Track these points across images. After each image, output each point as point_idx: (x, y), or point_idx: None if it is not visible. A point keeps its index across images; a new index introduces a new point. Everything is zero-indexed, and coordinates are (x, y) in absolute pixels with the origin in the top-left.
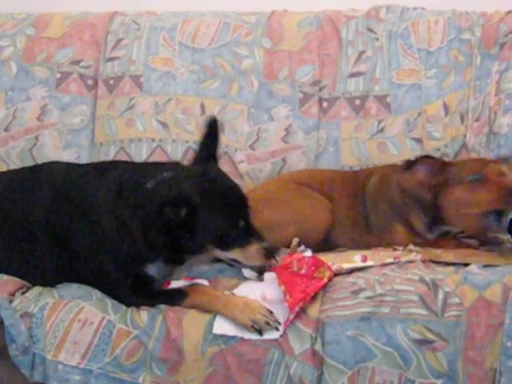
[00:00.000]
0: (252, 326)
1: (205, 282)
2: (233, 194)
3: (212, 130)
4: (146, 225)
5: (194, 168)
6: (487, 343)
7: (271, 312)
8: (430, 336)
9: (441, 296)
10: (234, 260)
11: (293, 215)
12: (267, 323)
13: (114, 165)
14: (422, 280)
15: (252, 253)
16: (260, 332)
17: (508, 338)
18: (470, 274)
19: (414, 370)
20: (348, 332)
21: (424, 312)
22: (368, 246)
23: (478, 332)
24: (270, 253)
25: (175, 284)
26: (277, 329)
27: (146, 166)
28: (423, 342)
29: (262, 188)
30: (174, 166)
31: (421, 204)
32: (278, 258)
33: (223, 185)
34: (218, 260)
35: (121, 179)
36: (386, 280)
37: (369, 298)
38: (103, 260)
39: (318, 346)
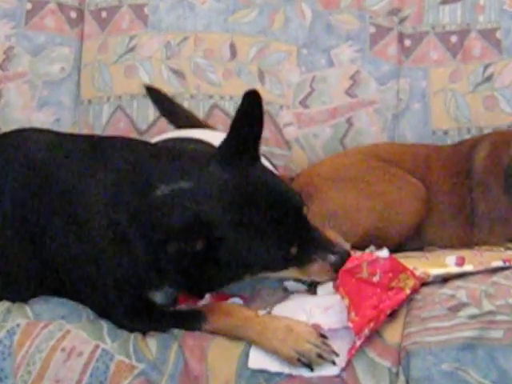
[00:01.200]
0: (299, 360)
1: (237, 301)
2: (280, 209)
3: (249, 109)
4: (151, 246)
5: (223, 171)
6: None
7: (325, 337)
8: None
9: None
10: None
11: (373, 201)
12: (319, 356)
13: (114, 144)
14: None
15: (314, 271)
16: (310, 367)
17: None
18: None
19: None
20: (444, 365)
21: None
22: (472, 245)
23: None
24: (339, 264)
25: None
26: (333, 362)
27: (160, 152)
28: None
29: (331, 163)
30: (201, 161)
31: None
32: None
33: (265, 198)
34: None
35: (123, 170)
36: (497, 292)
37: (473, 317)
38: (92, 275)
39: None
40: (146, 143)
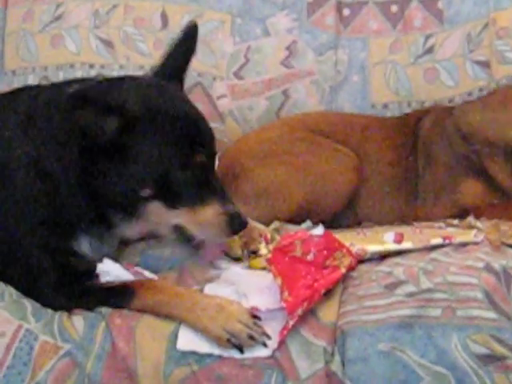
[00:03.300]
0: (229, 340)
1: (152, 276)
2: (193, 120)
3: (187, 39)
4: (62, 153)
5: (143, 78)
6: None
7: (258, 318)
8: (500, 350)
9: None
10: (184, 235)
11: (302, 174)
12: (251, 337)
13: (27, 89)
14: (488, 268)
15: (207, 217)
16: (241, 348)
17: None
18: None
19: None
20: (380, 345)
21: (492, 315)
22: (412, 219)
23: None
24: (236, 223)
25: (110, 268)
26: (265, 344)
27: (72, 82)
28: (490, 359)
29: (258, 136)
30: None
31: (503, 149)
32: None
33: (180, 105)
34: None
35: (33, 100)
36: (435, 269)
37: (411, 295)
38: (13, 233)
39: (335, 366)
40: (59, 82)
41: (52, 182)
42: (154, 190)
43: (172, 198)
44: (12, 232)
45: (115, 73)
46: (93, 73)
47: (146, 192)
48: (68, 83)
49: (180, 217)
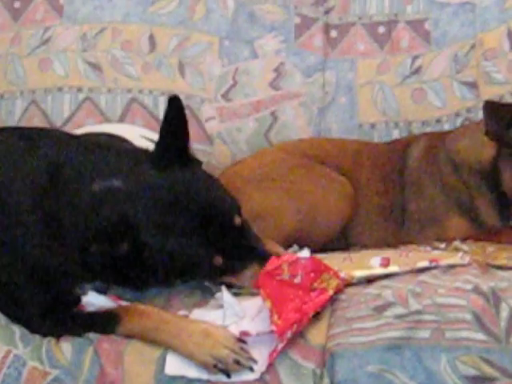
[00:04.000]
0: (216, 366)
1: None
2: (206, 218)
3: (173, 116)
4: (80, 241)
5: (155, 173)
6: None
7: (244, 343)
8: (489, 371)
9: (505, 313)
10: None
11: (296, 201)
12: (237, 362)
13: (45, 134)
14: (477, 290)
15: (247, 278)
16: (227, 373)
17: None
18: None
19: None
20: (369, 367)
21: (481, 337)
22: (399, 246)
23: None
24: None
25: (95, 299)
26: (251, 369)
27: (92, 146)
28: (480, 380)
29: (253, 162)
30: (133, 163)
31: (493, 182)
32: None
33: (192, 201)
34: None
35: (57, 161)
36: (424, 291)
37: (400, 316)
38: (13, 274)
39: None
40: (74, 135)
41: (65, 244)
42: (182, 278)
43: (198, 277)
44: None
45: (103, 96)
46: (81, 96)
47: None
48: (91, 160)
49: (226, 279)
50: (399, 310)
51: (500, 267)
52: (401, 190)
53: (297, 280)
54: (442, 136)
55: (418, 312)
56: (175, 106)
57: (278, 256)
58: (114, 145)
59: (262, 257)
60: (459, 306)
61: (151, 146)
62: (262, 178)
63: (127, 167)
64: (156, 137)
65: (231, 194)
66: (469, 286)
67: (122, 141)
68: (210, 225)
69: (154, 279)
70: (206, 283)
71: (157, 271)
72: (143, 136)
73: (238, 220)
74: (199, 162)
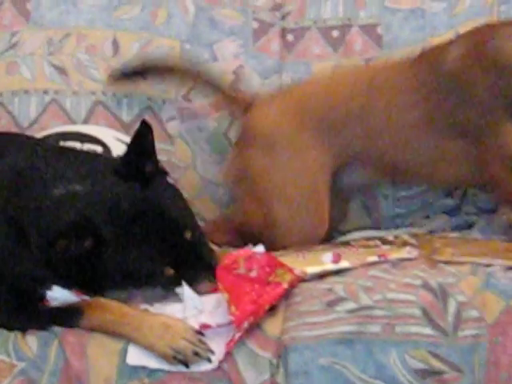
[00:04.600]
0: (175, 357)
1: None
2: (159, 230)
3: (139, 137)
4: (44, 240)
5: (117, 182)
6: None
7: (202, 335)
8: (437, 365)
9: (452, 308)
10: None
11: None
12: (195, 353)
13: (9, 139)
14: (426, 285)
15: (202, 290)
16: (186, 364)
17: None
18: (493, 277)
19: None
20: (321, 360)
21: (429, 331)
22: (467, 154)
23: (504, 357)
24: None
25: (59, 294)
26: (209, 360)
27: (58, 152)
28: (428, 374)
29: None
30: (98, 170)
31: None
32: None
33: (150, 212)
34: None
35: (21, 166)
36: (375, 286)
37: (351, 311)
38: None
39: (280, 378)
40: (40, 140)
41: (29, 249)
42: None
43: (154, 286)
44: None
45: (68, 99)
46: (47, 98)
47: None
48: (54, 166)
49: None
50: (350, 305)
51: (447, 262)
52: (438, 101)
53: (253, 274)
54: (493, 30)
55: (369, 307)
56: (144, 127)
57: (235, 252)
58: (78, 151)
59: (213, 271)
60: (409, 302)
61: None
62: None
63: (89, 173)
64: (128, 139)
65: (188, 207)
66: (418, 282)
67: (96, 142)
68: (161, 237)
69: (111, 283)
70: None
71: (114, 275)
72: (117, 138)
73: (188, 234)
74: (164, 174)
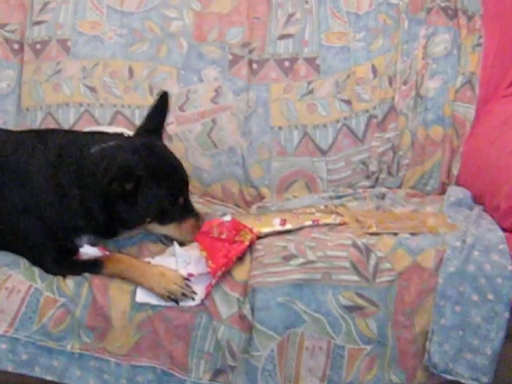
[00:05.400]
0: (169, 297)
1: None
2: (176, 170)
3: (161, 104)
4: (86, 194)
5: (138, 140)
6: (417, 308)
7: (188, 280)
8: (360, 302)
9: (373, 261)
10: (166, 236)
11: None
12: (183, 294)
13: (53, 132)
14: (354, 245)
15: (187, 228)
16: (176, 301)
17: (441, 297)
18: (404, 239)
19: (343, 337)
20: (279, 298)
21: (355, 278)
22: None
23: (408, 297)
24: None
25: (88, 250)
26: (193, 298)
27: (87, 134)
28: (353, 309)
29: None
30: (118, 136)
31: None
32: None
33: (168, 160)
34: None
35: (61, 145)
36: (317, 245)
37: (300, 264)
38: (33, 231)
39: (246, 311)
40: (76, 131)
41: (70, 205)
42: (154, 218)
43: (164, 220)
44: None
45: (97, 110)
46: (82, 109)
47: (149, 220)
48: (86, 138)
49: (169, 230)
50: (300, 260)
51: (374, 234)
52: None
53: (223, 236)
54: None
55: (313, 261)
56: (165, 96)
57: (209, 221)
58: (105, 133)
59: (196, 214)
60: (341, 257)
61: None
62: None
63: (119, 138)
64: None
65: None
66: (348, 242)
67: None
68: (177, 177)
69: (139, 219)
70: (164, 241)
71: (145, 209)
72: (128, 135)
73: (187, 178)
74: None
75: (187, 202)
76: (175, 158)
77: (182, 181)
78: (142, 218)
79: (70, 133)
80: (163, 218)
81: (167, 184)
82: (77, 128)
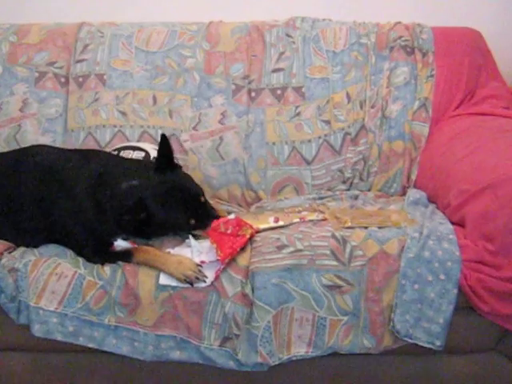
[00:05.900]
0: (185, 280)
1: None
2: (185, 196)
3: (163, 144)
4: (116, 214)
5: (156, 176)
6: (384, 286)
7: (201, 266)
8: (338, 282)
9: (348, 249)
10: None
11: None
12: (197, 278)
13: (95, 154)
14: (333, 236)
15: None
16: (191, 284)
17: (402, 277)
18: (373, 231)
19: (325, 310)
20: (273, 280)
21: (335, 263)
22: None
23: (376, 277)
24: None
25: (121, 243)
26: (204, 281)
27: (122, 161)
28: (333, 287)
29: None
30: (143, 170)
31: None
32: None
33: (177, 190)
34: None
35: (102, 170)
36: (304, 237)
37: (290, 252)
38: (78, 230)
39: (247, 290)
40: (109, 153)
41: (107, 217)
42: (174, 232)
43: (184, 231)
44: (76, 230)
45: (128, 130)
46: (115, 130)
47: (170, 234)
48: (122, 162)
49: (196, 232)
50: (290, 249)
51: (349, 227)
52: None
53: (229, 231)
54: None
55: (301, 250)
56: (165, 138)
57: (219, 220)
58: (131, 159)
59: (215, 216)
60: (323, 246)
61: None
62: None
63: (140, 173)
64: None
65: (198, 184)
66: (329, 234)
67: (141, 150)
68: (187, 202)
69: (157, 233)
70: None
71: (158, 229)
72: (153, 148)
73: (202, 198)
74: (180, 166)
75: (206, 210)
76: (186, 184)
77: (192, 204)
78: (163, 234)
79: (107, 156)
80: (182, 231)
81: (176, 211)
82: (112, 145)
